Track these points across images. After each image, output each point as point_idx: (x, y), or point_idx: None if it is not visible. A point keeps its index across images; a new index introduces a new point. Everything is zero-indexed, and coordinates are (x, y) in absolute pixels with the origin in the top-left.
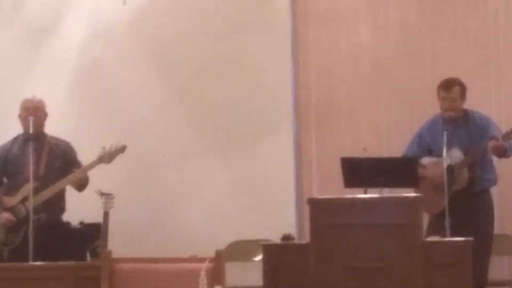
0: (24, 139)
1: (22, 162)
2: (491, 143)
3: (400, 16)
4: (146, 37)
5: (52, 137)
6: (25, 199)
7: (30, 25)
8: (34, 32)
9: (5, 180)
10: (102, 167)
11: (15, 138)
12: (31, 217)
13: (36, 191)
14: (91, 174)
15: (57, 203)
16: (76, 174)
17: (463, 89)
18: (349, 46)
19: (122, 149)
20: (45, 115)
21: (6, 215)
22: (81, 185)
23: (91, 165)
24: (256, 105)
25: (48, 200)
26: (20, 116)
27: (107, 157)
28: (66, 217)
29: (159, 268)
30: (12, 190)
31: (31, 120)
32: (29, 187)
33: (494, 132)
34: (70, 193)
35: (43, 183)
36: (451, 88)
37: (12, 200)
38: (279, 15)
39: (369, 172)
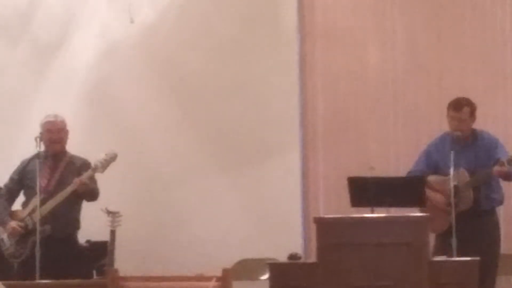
0: (40, 156)
1: (35, 177)
2: (496, 169)
3: (407, 34)
4: (154, 55)
5: (72, 156)
6: (33, 211)
7: (38, 42)
8: (42, 49)
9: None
10: (109, 185)
11: (36, 154)
12: (38, 229)
13: (43, 203)
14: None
15: (69, 218)
16: (74, 183)
17: (472, 110)
18: (356, 65)
19: (113, 158)
20: (66, 134)
21: (13, 225)
22: (86, 194)
23: (86, 176)
24: (263, 124)
25: (57, 214)
26: (40, 134)
27: (100, 166)
28: None
29: (165, 287)
30: (26, 204)
31: (47, 140)
32: (37, 200)
33: (501, 155)
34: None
35: (51, 197)
36: (461, 108)
37: (23, 213)
38: (286, 34)
39: (376, 192)
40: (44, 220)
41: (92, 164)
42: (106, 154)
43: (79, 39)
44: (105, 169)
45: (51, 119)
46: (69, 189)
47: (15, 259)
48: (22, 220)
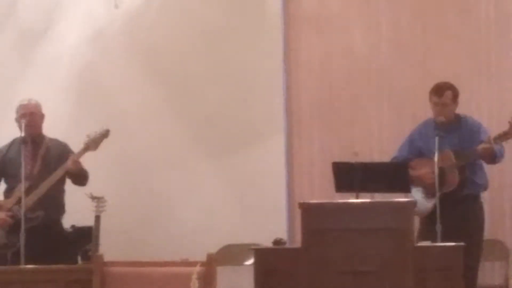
0: (20, 142)
1: (18, 164)
2: (482, 146)
3: (392, 20)
4: (139, 41)
5: (51, 139)
6: (20, 200)
7: (23, 29)
8: (27, 35)
9: (3, 183)
10: (94, 170)
11: (13, 141)
12: (23, 217)
13: (30, 190)
14: None
15: (57, 203)
16: (68, 162)
17: (455, 94)
18: (341, 51)
19: (105, 134)
20: (41, 118)
21: (2, 216)
22: (78, 175)
23: (79, 154)
24: (248, 110)
25: (47, 200)
26: (16, 120)
27: (92, 144)
28: None
29: (150, 272)
30: (10, 192)
31: (23, 124)
32: (22, 187)
33: (484, 137)
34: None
35: (37, 182)
36: (443, 93)
37: (8, 202)
38: (270, 19)
39: (361, 177)
40: (36, 206)
41: (83, 143)
42: (97, 131)
43: (64, 24)
44: (98, 146)
45: (24, 102)
46: (60, 170)
47: (8, 249)
48: (9, 210)
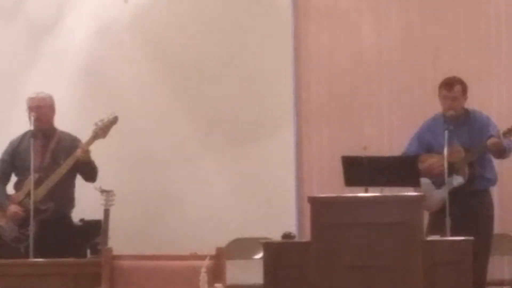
0: (30, 135)
1: (28, 157)
2: (491, 140)
3: (402, 15)
4: (148, 35)
5: (62, 132)
6: (30, 192)
7: (32, 22)
8: (36, 29)
9: (14, 176)
10: (103, 164)
11: (25, 134)
12: (32, 209)
13: (39, 182)
14: None
15: (66, 196)
16: (77, 151)
17: (464, 88)
18: (351, 46)
19: (114, 121)
20: (50, 111)
21: (13, 209)
22: (88, 167)
23: (88, 143)
24: (258, 104)
25: (57, 192)
26: (27, 113)
27: (101, 132)
28: None
29: (159, 266)
30: (20, 185)
31: (32, 117)
32: (31, 180)
33: (494, 132)
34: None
35: (46, 174)
36: (453, 87)
37: (19, 195)
38: (280, 14)
39: (370, 171)
40: (47, 198)
41: (92, 131)
42: (105, 118)
43: (73, 18)
44: (107, 134)
45: (33, 95)
46: (70, 160)
47: (21, 243)
48: (20, 203)
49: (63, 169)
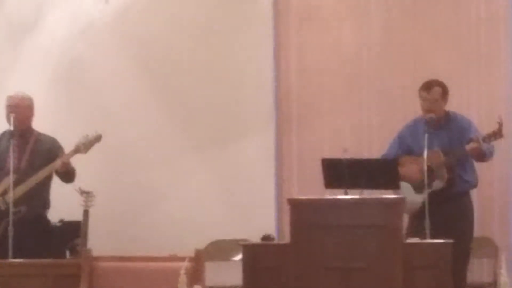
0: (9, 135)
1: (5, 157)
2: (470, 145)
3: (382, 16)
4: (128, 35)
5: (40, 134)
6: (5, 193)
7: (13, 21)
8: (16, 28)
9: None
10: (82, 165)
11: (3, 133)
12: (11, 211)
13: (16, 184)
14: None
15: (41, 198)
16: (57, 162)
17: (444, 91)
18: (331, 46)
19: (97, 139)
20: (28, 111)
21: None
22: (66, 174)
23: (68, 156)
24: (237, 105)
25: (31, 194)
26: (5, 112)
27: (83, 147)
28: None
29: (138, 267)
30: None
31: (11, 117)
32: (8, 181)
33: (474, 135)
34: (51, 190)
35: (23, 176)
36: (432, 88)
37: None
38: (261, 13)
39: (350, 173)
40: (19, 201)
41: (74, 145)
42: (89, 135)
43: (53, 18)
44: (88, 150)
45: (12, 94)
46: (49, 168)
47: None
48: None
49: (40, 176)
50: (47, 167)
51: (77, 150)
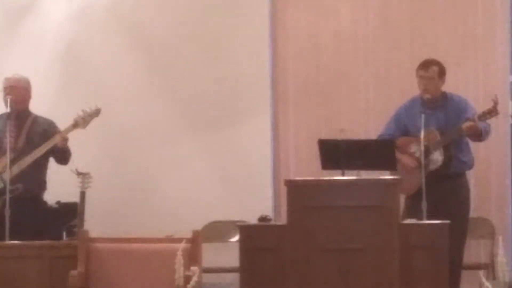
0: (6, 117)
1: (2, 137)
2: (466, 124)
3: None
4: (125, 16)
5: (37, 116)
6: (3, 170)
7: (8, 4)
8: (13, 11)
9: None
10: (80, 146)
11: (0, 116)
12: (8, 190)
13: (13, 162)
14: None
15: (37, 179)
16: (56, 137)
17: (441, 70)
18: (328, 29)
19: (96, 113)
20: (25, 93)
21: None
22: (64, 152)
23: (67, 130)
24: (234, 87)
25: (28, 176)
26: (2, 95)
27: (82, 121)
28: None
29: (135, 248)
30: None
31: (8, 99)
32: (5, 160)
33: (471, 115)
34: (48, 172)
35: (20, 155)
36: (429, 67)
37: None
38: None
39: (347, 154)
40: (16, 179)
41: (73, 119)
42: (88, 109)
43: (50, 1)
44: (87, 125)
45: (8, 76)
46: (48, 144)
47: None
48: None
49: (38, 152)
50: (45, 143)
51: (75, 124)
